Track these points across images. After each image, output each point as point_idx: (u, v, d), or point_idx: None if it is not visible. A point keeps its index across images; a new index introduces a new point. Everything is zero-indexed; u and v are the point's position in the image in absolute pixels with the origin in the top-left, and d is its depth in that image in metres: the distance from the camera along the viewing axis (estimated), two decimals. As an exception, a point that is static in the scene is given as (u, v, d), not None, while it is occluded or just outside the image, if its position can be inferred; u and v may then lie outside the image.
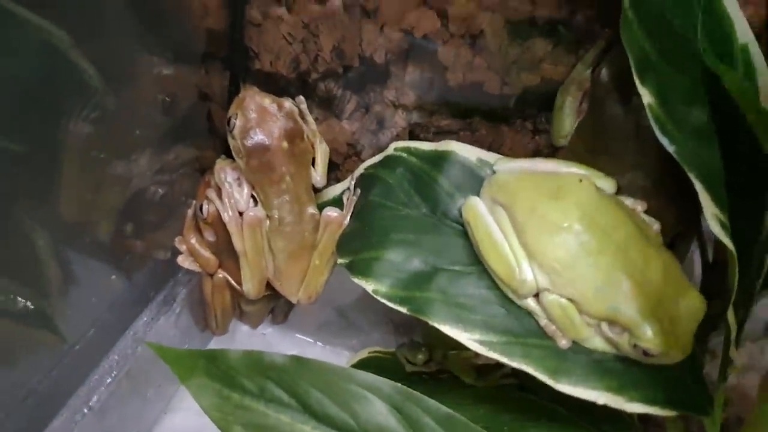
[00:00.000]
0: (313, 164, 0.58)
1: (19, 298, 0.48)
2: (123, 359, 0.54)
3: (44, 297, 0.49)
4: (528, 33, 0.53)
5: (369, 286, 0.48)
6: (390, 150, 0.55)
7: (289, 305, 0.69)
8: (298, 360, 0.40)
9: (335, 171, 0.64)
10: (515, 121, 0.58)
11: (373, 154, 0.62)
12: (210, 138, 0.64)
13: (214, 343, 0.67)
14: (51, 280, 0.50)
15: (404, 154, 0.53)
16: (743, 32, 0.44)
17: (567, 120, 0.51)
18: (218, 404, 0.40)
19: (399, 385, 0.39)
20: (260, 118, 0.54)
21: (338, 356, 0.72)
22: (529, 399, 0.55)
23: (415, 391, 0.39)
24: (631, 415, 0.54)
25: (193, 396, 0.41)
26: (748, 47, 0.45)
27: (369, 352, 0.66)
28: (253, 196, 0.57)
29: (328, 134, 0.61)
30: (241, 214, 0.56)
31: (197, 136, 0.63)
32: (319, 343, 0.73)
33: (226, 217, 0.56)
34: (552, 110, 0.55)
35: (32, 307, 0.48)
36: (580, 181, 0.44)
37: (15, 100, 0.40)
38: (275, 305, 0.68)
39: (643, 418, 0.55)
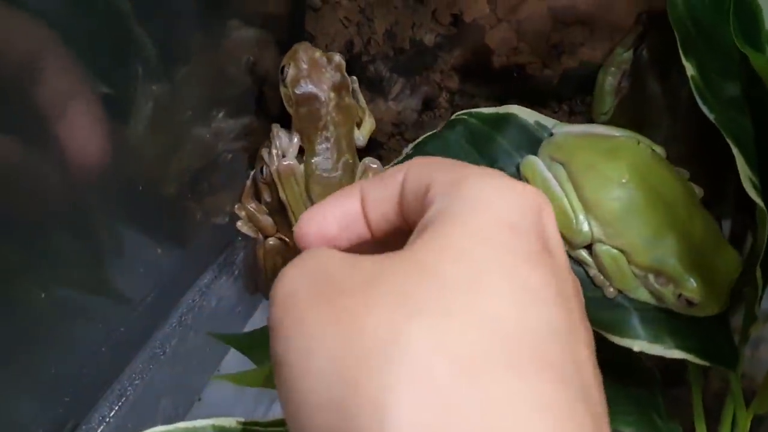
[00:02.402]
0: (359, 127, 0.63)
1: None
2: (189, 311, 0.59)
3: (122, 253, 0.53)
4: (569, 19, 0.57)
5: None
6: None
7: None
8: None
9: (379, 149, 0.69)
10: (552, 104, 0.63)
11: (416, 134, 0.66)
12: (263, 116, 0.68)
13: (262, 307, 0.72)
14: (124, 239, 0.54)
15: (464, 116, 0.55)
16: (771, 19, 0.49)
17: (607, 98, 0.56)
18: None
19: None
20: (311, 69, 0.59)
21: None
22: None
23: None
24: (651, 370, 0.58)
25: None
26: (774, 33, 0.50)
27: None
28: (301, 148, 0.61)
29: (375, 114, 0.66)
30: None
31: (250, 114, 0.67)
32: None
33: (272, 167, 0.60)
34: (588, 93, 0.60)
35: (111, 261, 0.52)
36: (638, 143, 0.48)
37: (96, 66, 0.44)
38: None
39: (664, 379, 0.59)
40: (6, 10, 0.35)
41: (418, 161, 0.27)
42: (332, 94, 0.59)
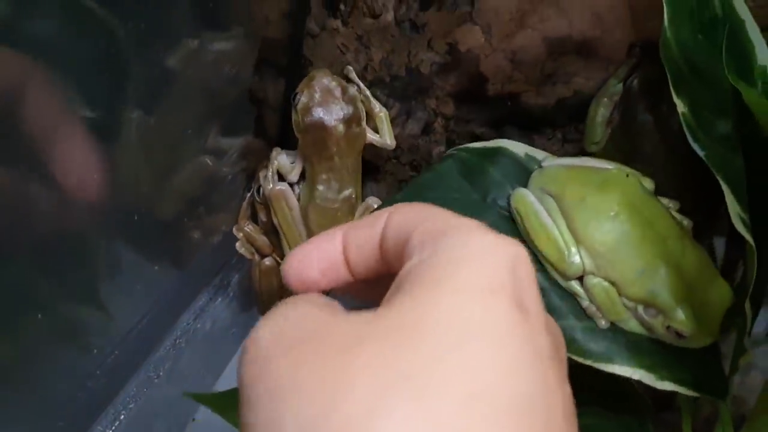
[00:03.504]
0: (378, 131, 0.62)
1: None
2: (183, 334, 0.59)
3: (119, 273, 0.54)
4: (564, 49, 0.58)
5: None
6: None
7: (326, 292, 0.73)
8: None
9: (375, 173, 0.69)
10: (546, 131, 0.63)
11: (412, 158, 0.67)
12: (261, 138, 0.69)
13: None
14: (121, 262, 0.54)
15: (455, 152, 0.56)
16: (763, 55, 0.50)
17: (599, 128, 0.56)
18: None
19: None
20: (323, 99, 0.58)
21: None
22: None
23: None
24: (643, 397, 0.58)
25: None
26: (766, 69, 0.50)
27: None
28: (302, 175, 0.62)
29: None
30: (292, 186, 0.62)
31: (248, 136, 0.67)
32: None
33: (267, 191, 0.61)
34: (581, 121, 0.60)
35: (107, 285, 0.53)
36: (627, 176, 0.49)
37: (92, 88, 0.44)
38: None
39: (655, 403, 0.60)
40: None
41: (400, 207, 0.26)
42: (341, 126, 0.59)
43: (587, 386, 0.58)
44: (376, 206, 0.62)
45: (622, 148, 0.55)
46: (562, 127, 0.63)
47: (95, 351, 0.52)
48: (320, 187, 0.61)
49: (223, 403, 0.52)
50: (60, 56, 0.41)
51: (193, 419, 0.65)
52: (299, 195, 0.63)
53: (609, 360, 0.47)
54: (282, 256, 0.65)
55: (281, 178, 0.63)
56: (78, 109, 0.44)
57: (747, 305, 0.47)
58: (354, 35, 0.61)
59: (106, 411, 0.54)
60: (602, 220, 0.47)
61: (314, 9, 0.61)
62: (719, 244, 0.59)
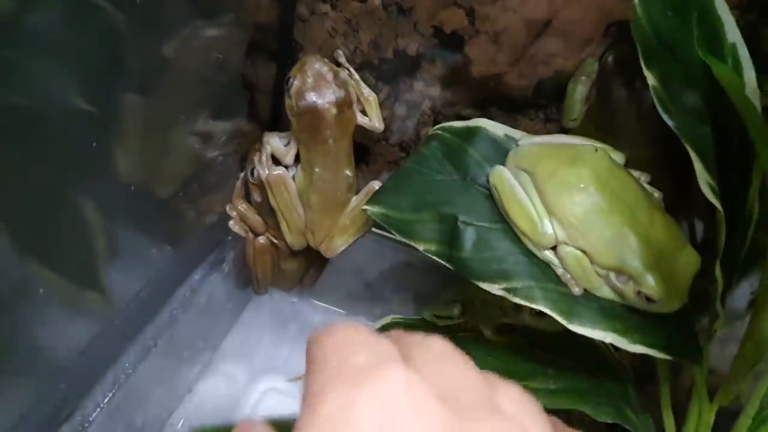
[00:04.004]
0: (367, 114, 0.65)
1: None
2: (180, 306, 0.61)
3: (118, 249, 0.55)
4: (544, 31, 0.60)
5: (419, 246, 0.52)
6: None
7: (319, 271, 0.76)
8: None
9: (365, 154, 0.72)
10: (528, 111, 0.66)
11: (401, 139, 0.69)
12: (254, 121, 0.71)
13: (252, 305, 0.74)
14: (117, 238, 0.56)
15: (439, 131, 0.59)
16: (732, 32, 0.52)
17: (576, 106, 0.59)
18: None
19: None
20: (316, 83, 0.61)
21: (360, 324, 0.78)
22: (538, 353, 0.61)
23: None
24: (625, 367, 0.61)
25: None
26: (736, 46, 0.53)
27: (391, 319, 0.71)
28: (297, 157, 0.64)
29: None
30: (287, 168, 0.64)
31: (241, 118, 0.69)
32: (343, 311, 0.81)
33: (263, 175, 0.63)
34: (562, 101, 0.63)
35: (107, 259, 0.55)
36: (596, 150, 0.51)
37: (87, 69, 0.46)
38: (308, 270, 0.75)
39: (637, 376, 0.62)
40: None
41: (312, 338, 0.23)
42: (334, 110, 0.61)
43: (571, 355, 0.60)
44: (377, 187, 0.64)
45: (599, 124, 0.57)
46: (543, 107, 0.65)
47: (95, 320, 0.54)
48: (318, 170, 0.63)
49: None
50: (53, 42, 0.42)
51: (190, 390, 0.67)
52: (294, 176, 0.65)
53: (581, 323, 0.49)
54: (279, 237, 0.67)
55: (275, 160, 0.65)
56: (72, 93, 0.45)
57: (717, 269, 0.50)
58: (343, 19, 0.63)
59: (105, 377, 0.56)
60: (572, 193, 0.50)
61: (304, -6, 0.63)
62: (699, 228, 0.61)
